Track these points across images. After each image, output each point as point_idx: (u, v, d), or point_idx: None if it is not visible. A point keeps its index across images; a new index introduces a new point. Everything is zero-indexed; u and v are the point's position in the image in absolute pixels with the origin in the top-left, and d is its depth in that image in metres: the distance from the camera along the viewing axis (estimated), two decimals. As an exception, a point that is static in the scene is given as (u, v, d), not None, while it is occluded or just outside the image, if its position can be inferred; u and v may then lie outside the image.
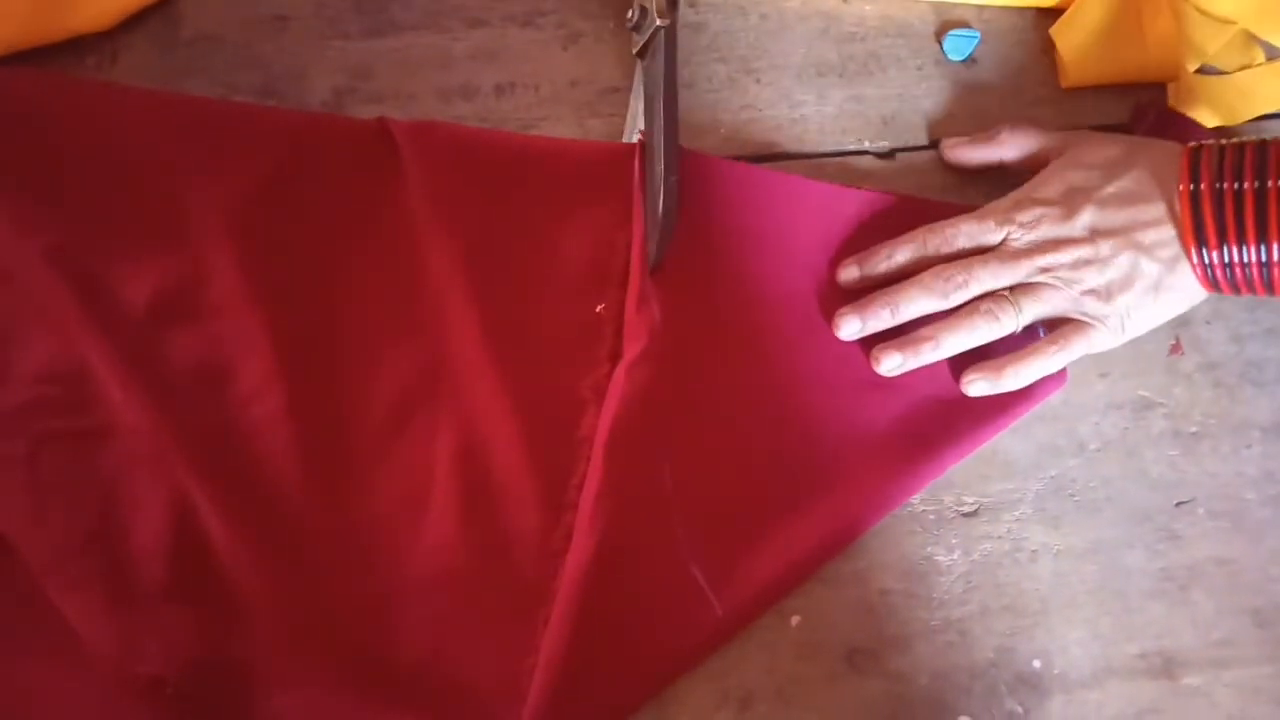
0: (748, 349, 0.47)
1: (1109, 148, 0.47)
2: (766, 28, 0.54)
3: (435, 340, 0.45)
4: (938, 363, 0.47)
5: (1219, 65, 0.54)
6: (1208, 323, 0.50)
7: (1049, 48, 0.54)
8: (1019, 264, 0.45)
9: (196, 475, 0.40)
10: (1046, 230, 0.45)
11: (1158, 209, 0.45)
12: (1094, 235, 0.45)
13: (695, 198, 0.48)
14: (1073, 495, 0.47)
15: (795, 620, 0.43)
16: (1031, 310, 0.45)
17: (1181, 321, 0.50)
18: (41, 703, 0.38)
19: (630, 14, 0.49)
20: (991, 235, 0.46)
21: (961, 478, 0.46)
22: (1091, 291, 0.45)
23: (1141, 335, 0.49)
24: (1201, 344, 0.50)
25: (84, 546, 0.39)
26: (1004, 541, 0.46)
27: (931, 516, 0.46)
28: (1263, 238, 0.42)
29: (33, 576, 0.39)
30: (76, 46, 0.49)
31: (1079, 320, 0.46)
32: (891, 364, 0.46)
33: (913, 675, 0.43)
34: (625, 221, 0.47)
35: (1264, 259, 0.42)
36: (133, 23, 0.49)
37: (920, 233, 0.47)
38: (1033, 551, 0.45)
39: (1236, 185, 0.42)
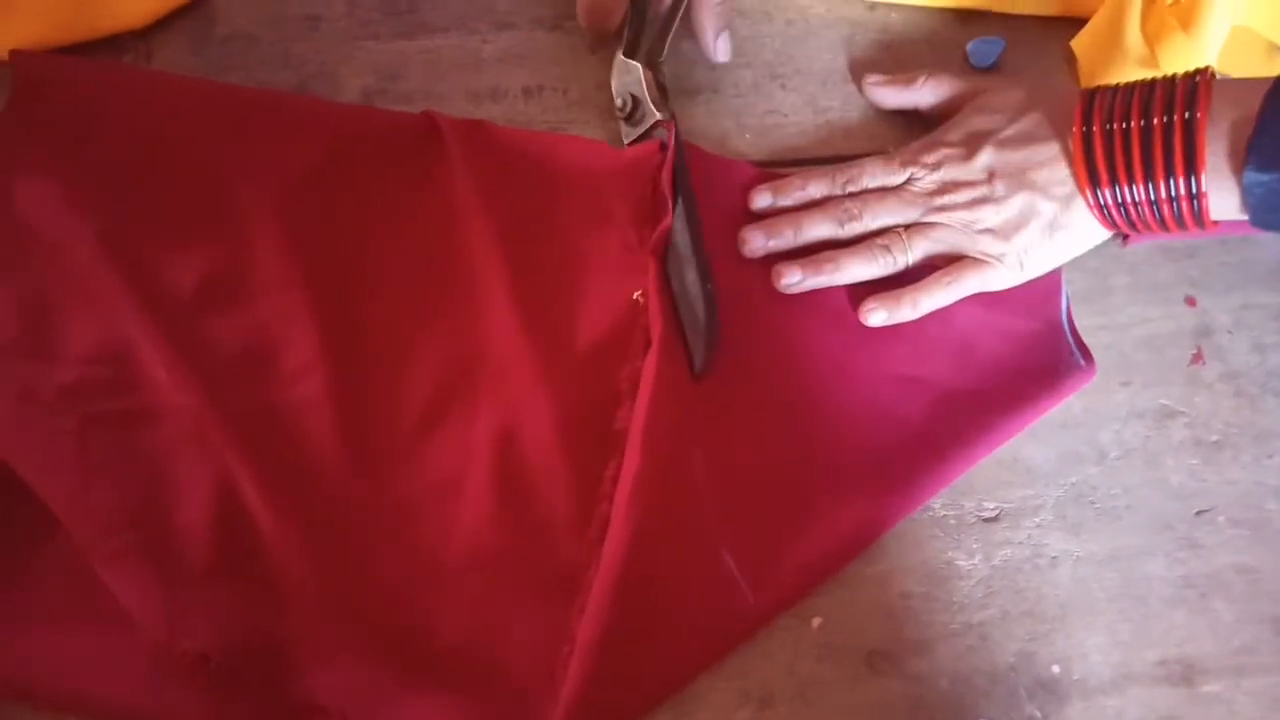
0: (774, 343, 0.47)
1: (1013, 93, 0.49)
2: (792, 33, 0.54)
3: (475, 328, 0.46)
4: (962, 356, 0.47)
5: (1234, 73, 0.54)
6: (1230, 332, 0.50)
7: (1072, 56, 0.54)
8: (915, 203, 0.48)
9: (239, 455, 0.41)
10: (947, 172, 0.47)
11: (1052, 149, 0.46)
12: (991, 176, 0.47)
13: (720, 197, 0.49)
14: (1093, 502, 0.47)
15: (816, 622, 0.43)
16: (921, 247, 0.47)
17: (1203, 331, 0.50)
18: (88, 675, 0.38)
19: (621, 102, 0.49)
20: (896, 175, 0.48)
21: (982, 483, 0.47)
22: (989, 230, 0.47)
23: (1163, 344, 0.49)
24: (1223, 353, 0.50)
25: (129, 523, 0.40)
26: (1024, 547, 0.46)
27: (952, 521, 0.46)
28: (1150, 176, 0.43)
29: (79, 552, 0.39)
30: (113, 44, 0.50)
31: (974, 258, 0.47)
32: (792, 279, 0.47)
33: (932, 678, 0.43)
34: (652, 216, 0.47)
35: (1153, 196, 0.43)
36: (168, 21, 0.50)
37: (831, 170, 0.49)
38: (1053, 558, 0.46)
39: (1125, 125, 0.43)
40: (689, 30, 0.50)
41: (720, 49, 0.50)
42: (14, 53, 0.47)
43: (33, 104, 0.46)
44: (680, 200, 0.46)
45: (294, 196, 0.46)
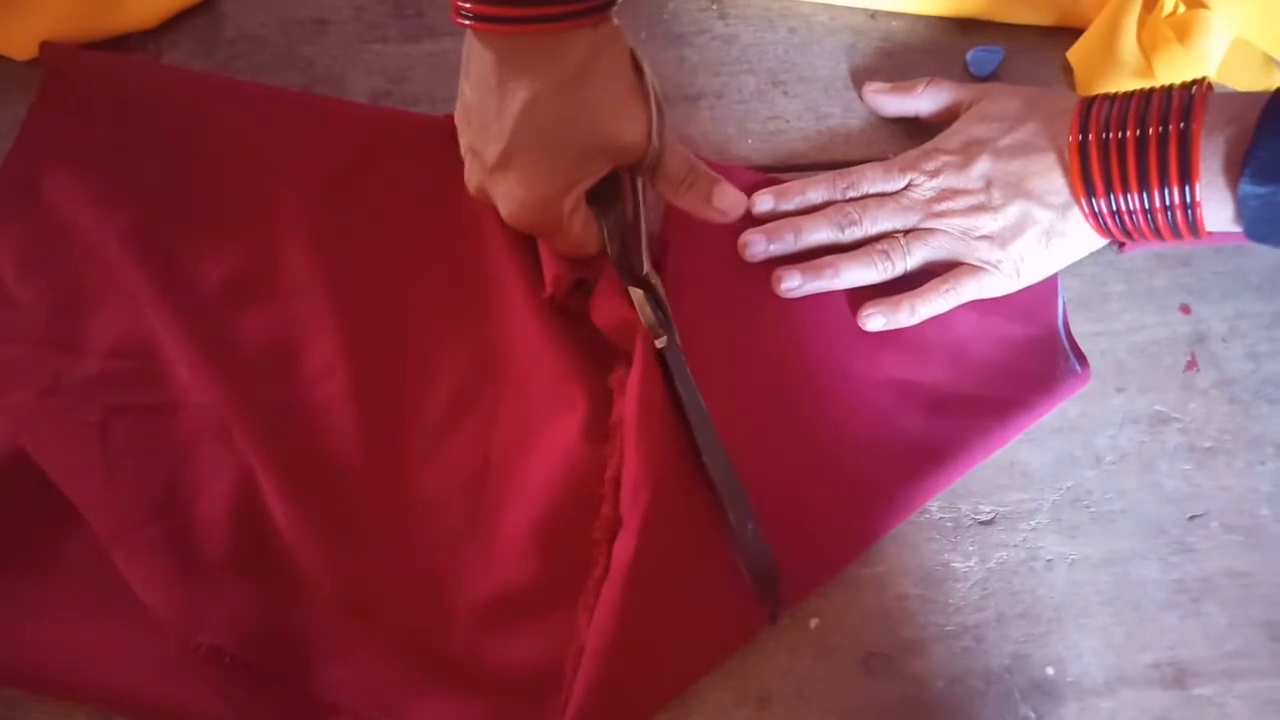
0: (773, 348, 0.47)
1: (1011, 101, 0.49)
2: (795, 41, 0.55)
3: (495, 330, 0.46)
4: (959, 361, 0.48)
5: (1231, 85, 0.55)
6: (1224, 340, 0.51)
7: (1070, 66, 0.55)
8: (914, 209, 0.48)
9: (260, 453, 0.41)
10: (945, 179, 0.48)
11: (1048, 159, 0.46)
12: (988, 184, 0.47)
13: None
14: (1088, 506, 0.47)
15: (814, 623, 0.44)
16: (920, 253, 0.48)
17: (1198, 338, 0.50)
18: (106, 667, 0.39)
19: None
20: (895, 181, 0.49)
21: (979, 487, 0.47)
22: (986, 237, 0.47)
23: (1159, 351, 0.50)
24: (1218, 361, 0.50)
25: (149, 517, 0.40)
26: (1020, 550, 0.46)
27: (949, 524, 0.46)
28: (1144, 185, 0.43)
29: (100, 544, 0.40)
30: (122, 44, 0.50)
31: (971, 264, 0.48)
32: (792, 283, 0.48)
33: (928, 679, 0.43)
34: None
35: (1147, 205, 0.44)
36: (177, 22, 0.51)
37: (832, 175, 0.50)
38: (1048, 561, 0.46)
39: (1120, 134, 0.44)
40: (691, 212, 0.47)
41: (725, 205, 0.46)
42: (44, 45, 0.48)
43: (62, 97, 0.47)
44: (698, 431, 0.43)
45: (320, 198, 0.47)
